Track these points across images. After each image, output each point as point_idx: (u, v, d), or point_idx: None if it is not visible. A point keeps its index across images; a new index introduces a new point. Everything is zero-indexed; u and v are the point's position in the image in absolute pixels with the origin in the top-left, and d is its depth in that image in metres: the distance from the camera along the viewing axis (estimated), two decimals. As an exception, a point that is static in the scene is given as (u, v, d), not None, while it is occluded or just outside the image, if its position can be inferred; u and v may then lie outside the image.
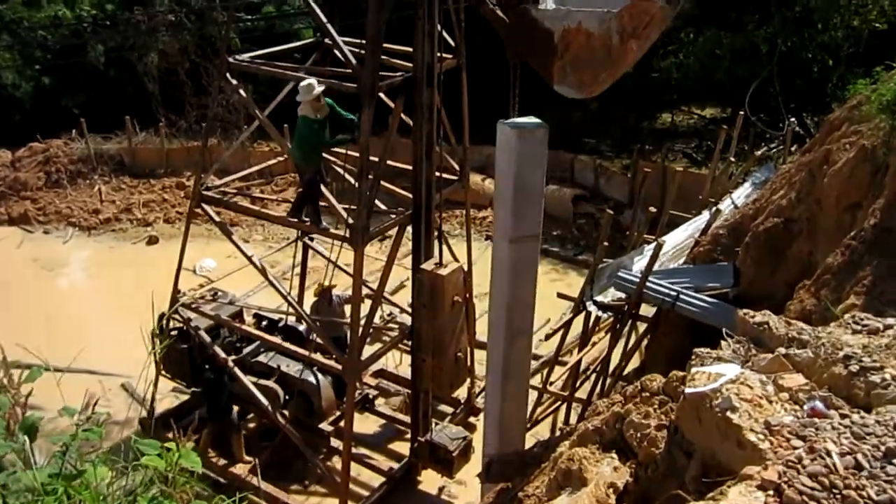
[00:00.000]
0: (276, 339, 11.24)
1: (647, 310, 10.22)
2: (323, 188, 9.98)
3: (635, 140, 21.96)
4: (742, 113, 14.31)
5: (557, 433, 11.66)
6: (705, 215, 12.22)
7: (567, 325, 10.52)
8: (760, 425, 2.67)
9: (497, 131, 7.38)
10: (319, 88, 9.60)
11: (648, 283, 9.18)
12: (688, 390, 2.88)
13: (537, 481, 3.82)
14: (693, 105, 25.20)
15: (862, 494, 2.25)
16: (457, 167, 10.98)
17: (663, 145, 21.57)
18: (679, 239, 11.46)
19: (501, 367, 7.78)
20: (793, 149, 15.90)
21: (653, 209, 11.29)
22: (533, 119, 7.45)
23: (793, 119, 18.49)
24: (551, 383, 11.15)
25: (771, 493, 2.30)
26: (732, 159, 14.10)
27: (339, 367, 9.89)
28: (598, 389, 10.84)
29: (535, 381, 13.49)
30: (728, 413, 2.70)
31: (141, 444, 2.48)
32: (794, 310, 6.47)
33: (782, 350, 3.14)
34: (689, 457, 3.01)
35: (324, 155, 10.95)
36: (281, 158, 12.35)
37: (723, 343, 3.25)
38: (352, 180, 10.67)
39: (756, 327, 3.27)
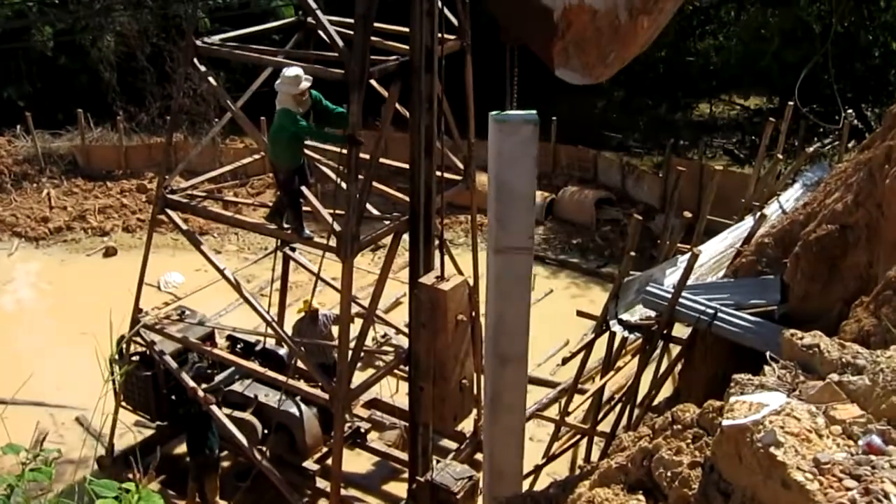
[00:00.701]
0: (254, 365, 11.28)
1: (680, 330, 10.25)
2: (305, 190, 10.03)
3: (668, 134, 22.07)
4: (791, 103, 14.35)
5: (577, 471, 11.67)
6: (748, 221, 12.26)
7: (588, 348, 10.55)
8: (809, 463, 2.70)
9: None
10: (307, 82, 9.67)
11: (682, 300, 9.20)
12: (726, 422, 2.92)
13: (554, 529, 3.86)
14: (735, 94, 25.29)
15: (924, 542, 2.28)
16: (461, 165, 11.04)
17: (700, 140, 21.69)
18: (718, 248, 11.49)
19: (490, 397, 7.85)
20: (850, 145, 15.99)
21: (688, 214, 11.32)
22: (528, 112, 7.51)
23: (850, 111, 18.59)
24: (569, 413, 11.15)
25: (821, 539, 2.33)
26: (780, 157, 14.15)
27: (326, 396, 9.91)
28: (623, 421, 10.85)
29: (553, 411, 13.55)
30: (772, 449, 2.73)
31: (96, 486, 2.51)
32: (850, 330, 6.48)
33: (835, 377, 3.17)
34: (727, 499, 3.04)
35: (306, 152, 11.02)
36: (257, 156, 12.40)
37: (766, 368, 3.29)
38: (339, 181, 10.72)
39: (805, 350, 3.30)
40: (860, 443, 2.80)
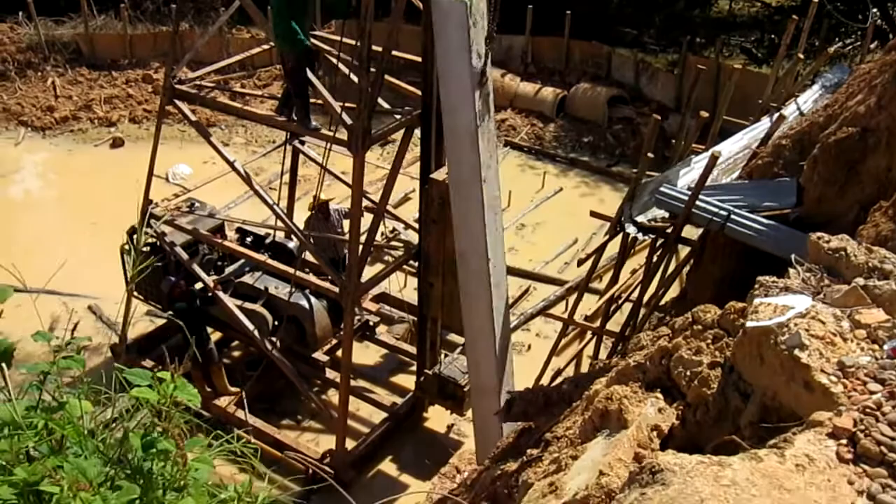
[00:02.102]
0: (265, 258, 11.33)
1: (690, 231, 10.21)
2: (315, 81, 9.82)
3: (684, 31, 21.48)
4: (816, 0, 13.90)
5: (584, 369, 11.86)
6: (765, 122, 12.05)
7: (601, 250, 10.55)
8: (833, 366, 2.70)
9: None
10: None
11: (696, 201, 9.12)
12: (749, 323, 2.90)
13: (568, 422, 3.89)
14: (755, -10, 24.55)
15: (949, 446, 2.28)
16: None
17: (718, 38, 21.08)
18: (733, 149, 11.33)
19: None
20: (872, 46, 15.56)
21: (704, 114, 11.11)
22: None
23: (875, 10, 18.02)
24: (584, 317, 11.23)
25: (844, 441, 2.34)
26: (801, 56, 13.80)
27: (336, 289, 9.98)
28: (632, 322, 10.94)
29: (559, 309, 13.67)
30: (796, 351, 2.72)
31: (129, 374, 2.52)
32: (868, 235, 6.42)
33: (860, 281, 3.14)
34: (746, 399, 3.06)
35: (316, 44, 10.77)
36: (265, 46, 12.11)
37: (791, 271, 3.26)
38: (349, 73, 10.52)
39: (831, 254, 3.26)
40: (885, 347, 2.80)
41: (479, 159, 7.75)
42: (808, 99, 12.92)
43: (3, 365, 2.50)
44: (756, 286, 3.16)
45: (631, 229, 9.61)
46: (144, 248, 12.31)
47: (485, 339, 8.53)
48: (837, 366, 2.70)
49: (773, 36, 22.60)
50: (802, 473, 2.20)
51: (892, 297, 3.08)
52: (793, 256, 3.35)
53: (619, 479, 2.80)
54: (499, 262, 8.36)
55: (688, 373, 3.21)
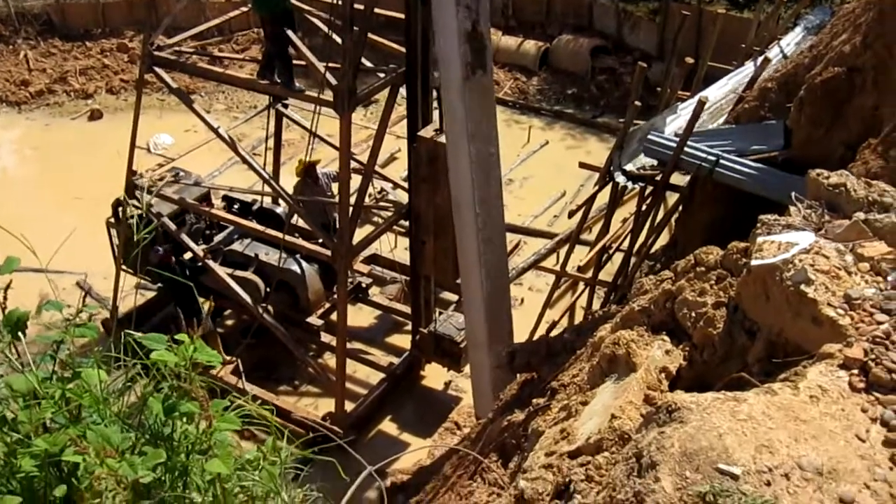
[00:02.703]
0: (254, 224, 11.29)
1: (678, 177, 10.23)
2: (297, 41, 9.71)
3: (666, -23, 21.29)
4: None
5: (578, 320, 11.95)
6: (749, 67, 12.03)
7: (591, 200, 10.57)
8: (839, 299, 2.74)
9: None
10: None
11: (684, 148, 9.14)
12: (755, 262, 2.93)
13: (574, 369, 3.94)
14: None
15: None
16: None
17: (699, -17, 20.91)
18: (719, 94, 11.31)
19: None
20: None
21: (689, 60, 11.07)
22: None
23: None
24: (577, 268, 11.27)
25: (856, 371, 2.39)
26: (782, -1, 13.74)
27: (328, 253, 9.97)
28: (624, 271, 11.01)
29: (550, 262, 13.73)
30: (802, 286, 2.76)
31: (144, 340, 2.53)
32: (857, 172, 6.44)
33: (861, 215, 3.16)
34: (752, 337, 3.10)
35: (295, 3, 10.63)
36: (244, 9, 11.94)
37: (792, 209, 3.28)
38: (332, 34, 10.41)
39: (830, 190, 3.29)
40: (889, 279, 2.83)
41: (466, 113, 7.70)
42: (792, 41, 12.89)
43: (21, 334, 2.51)
44: (758, 224, 3.19)
45: (620, 178, 9.61)
46: (131, 221, 12.24)
47: (475, 290, 8.56)
48: (844, 299, 2.74)
49: (754, -21, 22.41)
50: (817, 404, 2.24)
51: (892, 229, 3.11)
52: (793, 194, 3.37)
53: (632, 422, 2.84)
54: (493, 217, 8.35)
55: (693, 314, 3.24)
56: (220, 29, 18.00)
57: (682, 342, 3.28)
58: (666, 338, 3.27)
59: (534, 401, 4.08)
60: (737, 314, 3.13)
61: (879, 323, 2.60)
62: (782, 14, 14.34)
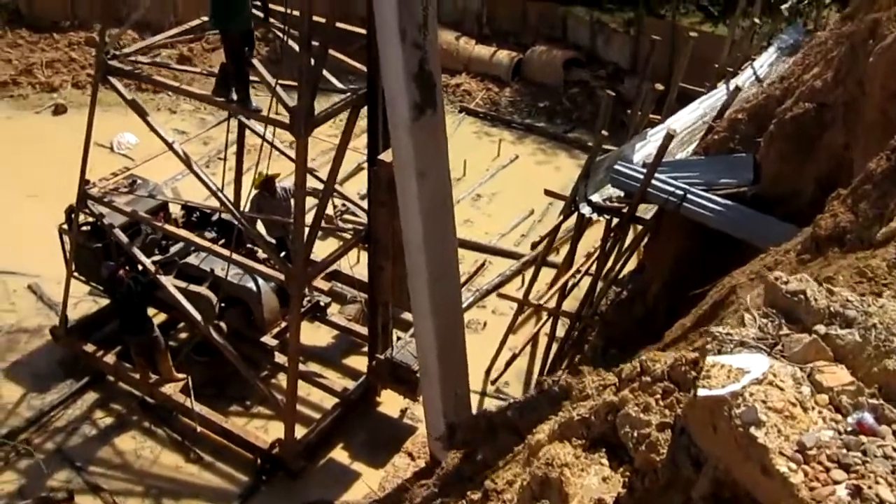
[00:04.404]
0: (207, 240, 10.86)
1: (645, 208, 9.96)
2: (255, 62, 9.29)
3: (641, -13, 21.01)
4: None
5: (540, 347, 11.64)
6: (721, 90, 11.77)
7: (555, 231, 10.27)
8: (792, 446, 2.40)
9: None
10: None
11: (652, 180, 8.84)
12: (701, 392, 2.59)
13: (509, 472, 3.60)
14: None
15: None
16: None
17: (674, -5, 20.66)
18: (689, 119, 11.05)
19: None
20: (828, 1, 15.27)
21: (660, 87, 10.76)
22: None
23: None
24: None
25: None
26: (757, 21, 13.49)
27: (282, 277, 9.58)
28: (589, 301, 10.72)
29: (515, 283, 13.42)
30: (752, 429, 2.42)
31: None
32: (826, 226, 6.16)
33: (821, 329, 2.84)
34: (698, 467, 2.77)
35: (255, 13, 10.20)
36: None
37: (747, 317, 2.94)
38: (291, 43, 10.00)
39: (789, 297, 2.95)
40: (850, 420, 2.50)
41: (415, 153, 7.38)
42: (765, 63, 12.66)
43: None
44: (708, 338, 2.84)
45: (586, 210, 9.32)
46: (84, 228, 11.84)
47: (426, 329, 8.25)
48: (797, 446, 2.40)
49: (730, -6, 22.20)
50: None
51: (855, 349, 2.79)
52: (748, 298, 3.03)
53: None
54: (445, 255, 8.03)
55: (635, 433, 2.90)
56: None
57: (624, 461, 2.94)
58: (605, 459, 2.93)
59: (468, 494, 3.74)
60: (682, 438, 2.79)
61: (836, 482, 2.26)
62: (756, 30, 14.09)
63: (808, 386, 2.62)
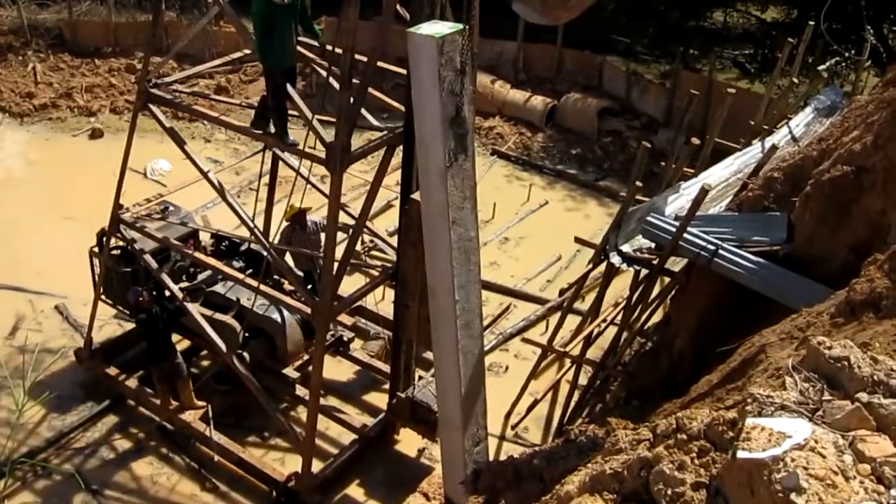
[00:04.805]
0: (234, 269, 10.93)
1: (674, 260, 9.91)
2: (293, 93, 9.40)
3: (678, 42, 21.18)
4: (812, 22, 13.59)
5: (562, 394, 11.54)
6: (756, 147, 11.77)
7: (583, 280, 10.24)
8: (833, 515, 2.36)
9: None
10: None
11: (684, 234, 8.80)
12: (741, 454, 2.56)
13: (536, 520, 3.57)
14: (751, 4, 24.28)
15: None
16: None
17: (711, 51, 20.80)
18: (724, 175, 11.03)
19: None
20: (867, 64, 15.27)
21: (696, 141, 10.77)
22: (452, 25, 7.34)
23: (869, 28, 17.72)
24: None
25: None
26: (795, 80, 13.50)
27: (308, 310, 9.60)
28: (613, 351, 10.63)
29: (540, 328, 13.36)
30: (793, 496, 2.38)
31: None
32: (861, 290, 6.11)
33: (864, 397, 2.81)
34: (734, 530, 2.72)
35: (301, 51, 10.36)
36: (248, 51, 11.61)
37: (788, 380, 2.91)
38: (328, 79, 10.11)
39: (832, 363, 2.92)
40: (893, 492, 2.45)
41: (447, 199, 7.43)
42: (801, 122, 12.66)
43: None
44: (748, 400, 2.81)
45: (616, 259, 9.29)
46: (114, 252, 11.97)
47: (450, 374, 8.21)
48: (839, 516, 2.36)
49: (766, 51, 22.32)
50: None
51: (899, 419, 2.74)
52: (790, 362, 3.00)
53: None
54: (471, 302, 8.03)
55: (669, 491, 2.86)
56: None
57: (655, 520, 2.91)
58: (636, 514, 2.90)
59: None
60: (717, 499, 2.76)
61: (878, 556, 2.22)
62: (794, 91, 14.10)
63: (849, 455, 2.59)
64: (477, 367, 8.32)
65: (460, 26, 7.49)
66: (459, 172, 7.59)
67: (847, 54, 18.28)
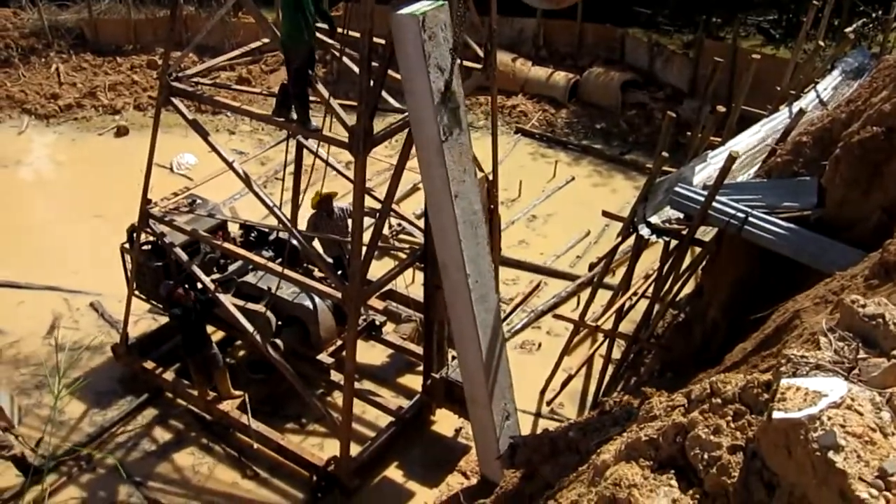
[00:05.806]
0: (264, 258, 11.01)
1: (704, 230, 9.83)
2: (312, 76, 9.41)
3: (700, 11, 20.89)
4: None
5: (595, 369, 11.54)
6: (783, 113, 11.62)
7: (612, 253, 10.20)
8: (872, 471, 2.35)
9: None
10: None
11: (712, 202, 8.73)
12: (776, 414, 2.56)
13: (573, 492, 3.57)
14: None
15: None
16: (480, 53, 10.33)
17: (734, 18, 20.49)
18: (750, 143, 10.92)
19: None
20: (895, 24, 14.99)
21: (721, 109, 10.65)
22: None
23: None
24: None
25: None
26: (822, 44, 13.28)
27: (339, 295, 9.66)
28: (645, 324, 10.60)
29: (571, 304, 13.34)
30: (830, 454, 2.38)
31: None
32: (895, 251, 6.04)
33: (901, 354, 2.79)
34: (771, 491, 2.72)
35: (319, 37, 10.36)
36: (266, 41, 11.64)
37: (822, 340, 2.90)
38: (351, 65, 10.13)
39: (866, 321, 2.90)
40: (933, 447, 2.44)
41: (447, 174, 7.45)
42: (829, 86, 12.47)
43: None
44: (783, 361, 2.81)
45: (645, 231, 9.25)
46: (145, 247, 12.11)
47: (471, 350, 8.26)
48: (878, 472, 2.35)
49: (790, 15, 21.94)
50: None
51: (936, 374, 2.72)
52: (824, 323, 2.98)
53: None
54: (483, 275, 8.07)
55: (705, 456, 2.86)
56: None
57: (693, 485, 2.91)
58: (674, 481, 2.90)
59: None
60: (755, 462, 2.75)
61: (920, 510, 2.21)
62: (820, 55, 13.88)
63: (887, 411, 2.57)
64: (496, 341, 8.35)
65: (441, 3, 7.50)
66: (456, 146, 7.62)
67: (874, 14, 17.95)
